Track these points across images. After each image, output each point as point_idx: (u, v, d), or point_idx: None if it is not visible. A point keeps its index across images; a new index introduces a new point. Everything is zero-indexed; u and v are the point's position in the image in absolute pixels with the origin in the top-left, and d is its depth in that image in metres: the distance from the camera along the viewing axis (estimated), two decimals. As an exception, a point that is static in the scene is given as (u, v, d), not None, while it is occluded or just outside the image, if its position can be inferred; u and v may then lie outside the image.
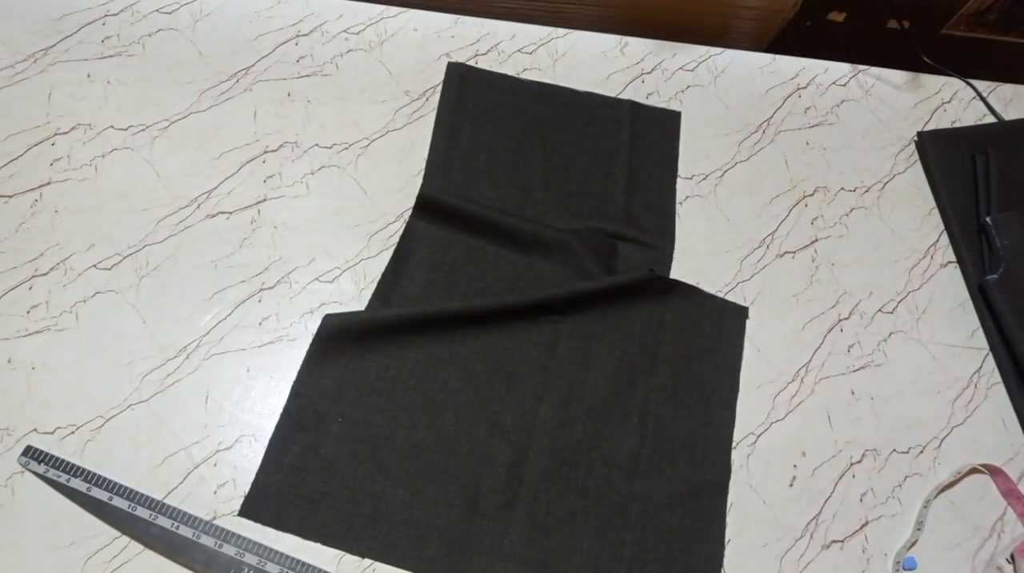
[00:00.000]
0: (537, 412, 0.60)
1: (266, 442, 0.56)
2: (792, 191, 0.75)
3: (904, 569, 0.56)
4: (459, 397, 0.59)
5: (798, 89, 0.82)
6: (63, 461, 0.53)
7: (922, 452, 0.62)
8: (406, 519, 0.54)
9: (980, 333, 0.69)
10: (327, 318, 0.60)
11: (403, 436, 0.57)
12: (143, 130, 0.68)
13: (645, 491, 0.57)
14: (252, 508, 0.53)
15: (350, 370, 0.59)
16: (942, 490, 0.60)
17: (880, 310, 0.69)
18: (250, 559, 0.51)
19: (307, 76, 0.74)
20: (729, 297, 0.67)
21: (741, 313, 0.66)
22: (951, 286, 0.71)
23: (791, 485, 0.59)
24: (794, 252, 0.71)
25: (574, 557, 0.54)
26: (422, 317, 0.61)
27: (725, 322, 0.65)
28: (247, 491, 0.54)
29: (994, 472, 0.61)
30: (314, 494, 0.54)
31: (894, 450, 0.62)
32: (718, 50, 0.83)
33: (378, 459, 0.56)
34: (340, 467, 0.55)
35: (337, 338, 0.60)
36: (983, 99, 0.83)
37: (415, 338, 0.61)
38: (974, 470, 0.61)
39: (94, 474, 0.53)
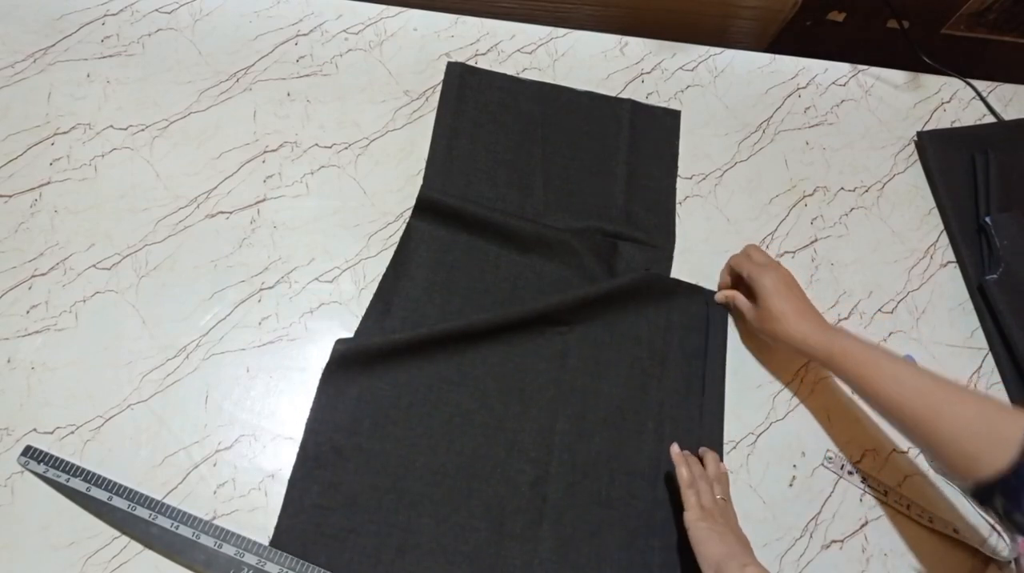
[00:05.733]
0: (554, 427, 0.59)
1: (266, 442, 0.56)
2: (792, 191, 0.75)
3: None
4: (475, 419, 0.59)
5: (798, 89, 0.82)
6: (63, 461, 0.53)
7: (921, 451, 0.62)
8: (434, 549, 0.53)
9: (980, 333, 0.69)
10: (338, 343, 0.59)
11: (423, 464, 0.56)
12: (143, 130, 0.68)
13: (668, 497, 0.57)
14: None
15: (363, 401, 0.58)
16: None
17: (880, 310, 0.69)
18: (250, 559, 0.51)
19: (307, 76, 0.74)
20: (729, 297, 0.67)
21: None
22: (951, 286, 0.71)
23: (791, 485, 0.59)
24: (794, 252, 0.71)
25: (604, 569, 0.54)
26: (428, 338, 0.60)
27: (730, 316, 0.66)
28: (271, 535, 0.53)
29: None
30: (339, 532, 0.53)
31: (894, 449, 0.62)
32: (718, 50, 0.83)
33: (400, 489, 0.55)
34: (363, 501, 0.54)
35: (348, 367, 0.58)
36: (983, 99, 0.83)
37: (424, 363, 0.60)
38: None
39: (94, 474, 0.53)
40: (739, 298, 0.63)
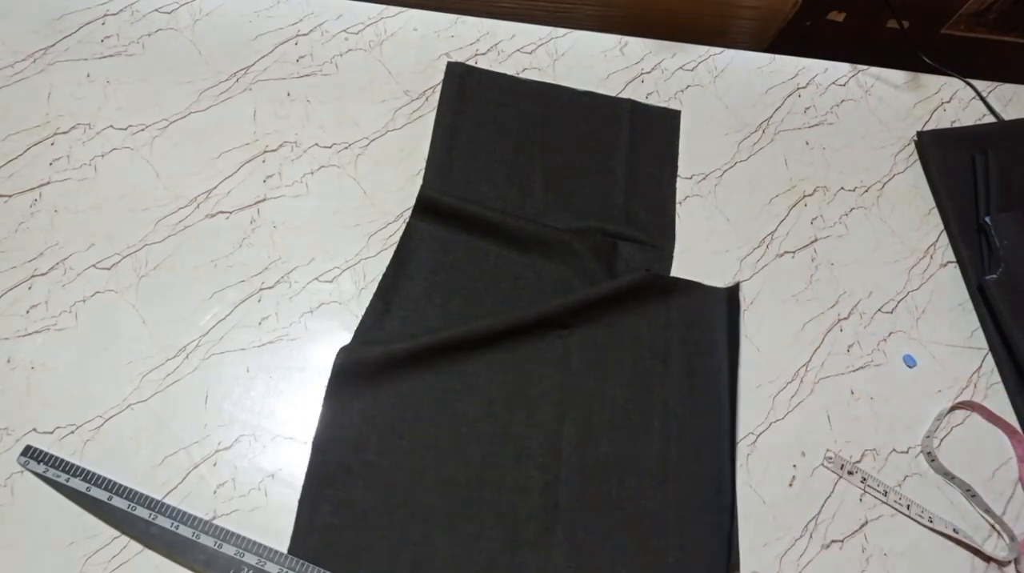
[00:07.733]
0: (561, 431, 0.59)
1: (266, 442, 0.56)
2: (792, 191, 0.75)
3: (906, 365, 0.61)
4: (482, 427, 0.58)
5: (798, 89, 0.82)
6: (62, 461, 0.53)
7: (921, 452, 0.62)
8: (448, 561, 0.53)
9: (980, 333, 0.69)
10: (339, 355, 0.59)
11: (432, 476, 0.56)
12: (142, 130, 0.68)
13: (678, 495, 0.57)
14: None
15: (368, 417, 0.57)
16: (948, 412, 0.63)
17: (880, 310, 0.69)
18: (250, 559, 0.51)
19: (307, 76, 0.74)
20: (729, 297, 0.67)
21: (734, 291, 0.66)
22: (951, 286, 0.71)
23: (791, 485, 0.59)
24: (794, 252, 0.71)
25: (619, 571, 0.54)
26: (429, 347, 0.59)
27: (729, 311, 0.65)
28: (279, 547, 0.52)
29: (974, 407, 0.64)
30: (352, 550, 0.52)
31: (893, 450, 0.62)
32: (718, 50, 0.83)
33: (411, 504, 0.55)
34: (374, 518, 0.54)
35: (351, 381, 0.58)
36: (983, 99, 0.83)
37: (427, 374, 0.59)
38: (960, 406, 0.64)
39: (93, 474, 0.52)
40: None
